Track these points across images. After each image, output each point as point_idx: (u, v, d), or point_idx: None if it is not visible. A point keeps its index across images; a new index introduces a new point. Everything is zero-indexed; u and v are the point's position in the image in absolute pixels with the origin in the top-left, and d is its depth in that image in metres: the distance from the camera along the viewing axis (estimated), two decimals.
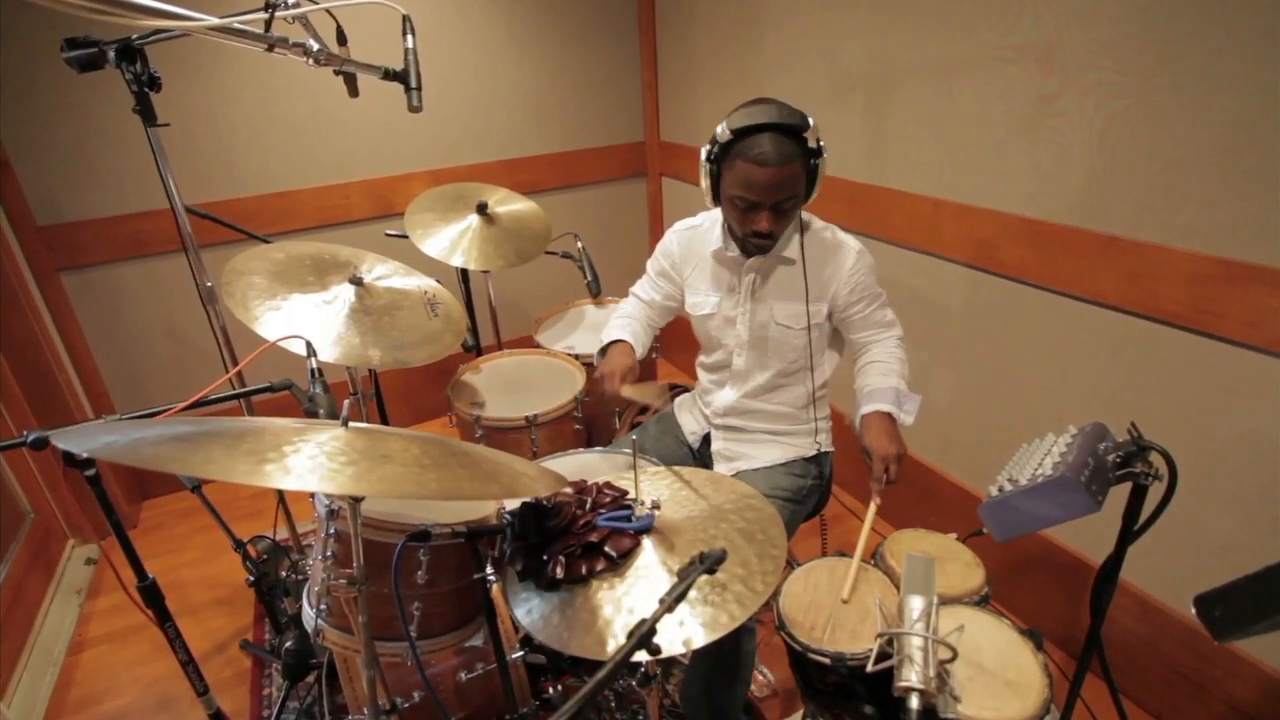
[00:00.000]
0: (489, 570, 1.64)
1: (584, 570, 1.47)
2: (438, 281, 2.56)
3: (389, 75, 2.26)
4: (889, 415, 1.96)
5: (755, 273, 2.10)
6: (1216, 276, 1.92)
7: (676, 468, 1.86)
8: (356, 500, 1.43)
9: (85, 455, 1.63)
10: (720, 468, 2.29)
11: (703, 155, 1.95)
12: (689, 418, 2.43)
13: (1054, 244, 2.28)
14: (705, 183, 1.97)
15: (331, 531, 1.63)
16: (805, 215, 2.09)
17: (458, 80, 3.78)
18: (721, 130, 1.87)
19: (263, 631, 2.86)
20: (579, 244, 3.36)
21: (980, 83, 2.38)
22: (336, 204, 3.70)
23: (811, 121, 1.85)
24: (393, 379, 3.96)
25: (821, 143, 1.88)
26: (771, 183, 1.85)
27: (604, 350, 2.24)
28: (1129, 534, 1.55)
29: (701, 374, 2.36)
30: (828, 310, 2.09)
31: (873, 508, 1.86)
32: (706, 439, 2.37)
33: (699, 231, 2.22)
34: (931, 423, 2.90)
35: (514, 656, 1.93)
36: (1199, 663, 2.20)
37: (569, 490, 1.64)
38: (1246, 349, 1.92)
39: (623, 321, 2.31)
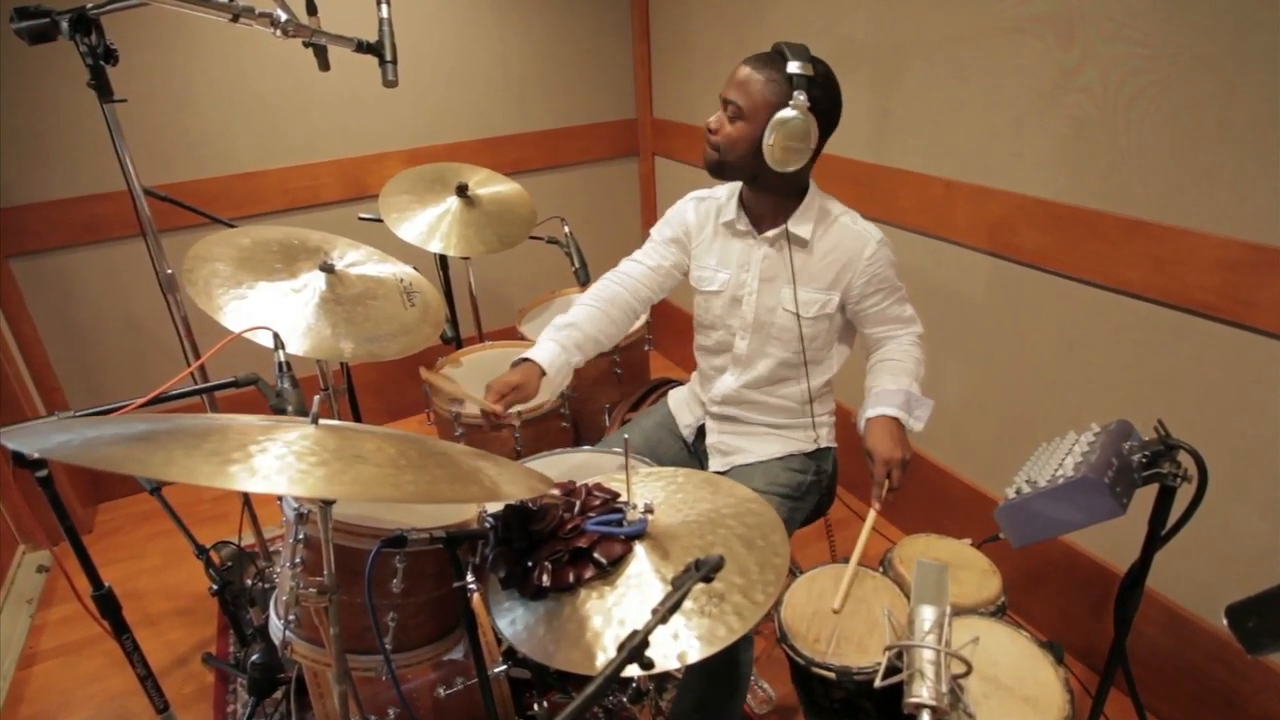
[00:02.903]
0: (469, 578, 1.63)
1: (571, 578, 1.47)
2: (414, 269, 2.54)
3: (362, 47, 2.25)
4: (895, 420, 1.98)
5: (767, 250, 2.11)
6: (1250, 263, 1.91)
7: (673, 469, 1.86)
8: (327, 503, 1.42)
9: (36, 455, 1.62)
10: (715, 463, 2.30)
11: None
12: (684, 410, 2.43)
13: (1075, 228, 2.27)
14: None
15: (300, 537, 1.62)
16: (825, 197, 2.10)
17: (436, 53, 3.77)
18: None
19: (227, 644, 2.85)
20: (566, 228, 3.34)
21: (995, 56, 2.38)
22: (306, 185, 3.69)
23: (800, 68, 1.85)
24: (366, 373, 3.94)
25: (798, 94, 1.85)
26: (732, 76, 1.94)
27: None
28: (1156, 539, 1.55)
29: (701, 359, 2.36)
30: (840, 301, 2.09)
31: (871, 515, 1.86)
32: (701, 432, 2.38)
33: (715, 203, 2.22)
34: (943, 420, 2.90)
35: (496, 671, 1.93)
36: (1231, 677, 2.20)
37: (556, 492, 1.63)
38: None
39: (565, 331, 2.20)
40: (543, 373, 2.12)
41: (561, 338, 2.18)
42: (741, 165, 1.99)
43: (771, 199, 2.07)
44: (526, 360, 2.13)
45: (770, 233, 2.09)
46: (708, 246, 2.23)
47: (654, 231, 2.33)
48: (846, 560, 1.87)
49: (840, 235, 2.07)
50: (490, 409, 2.03)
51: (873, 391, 2.06)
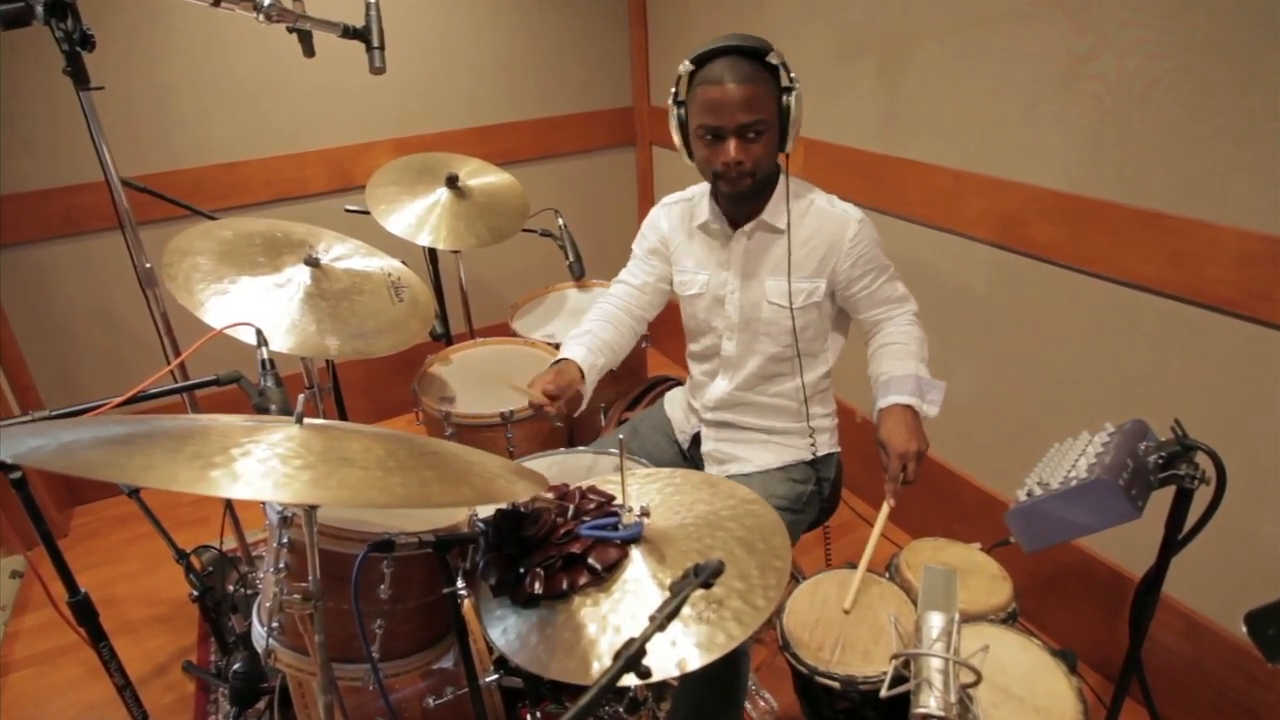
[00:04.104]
0: (460, 584, 1.63)
1: (565, 584, 1.47)
2: (403, 263, 2.55)
3: (349, 33, 2.25)
4: (910, 408, 1.96)
5: (745, 245, 2.11)
6: (1270, 256, 1.91)
7: (670, 469, 1.85)
8: (313, 506, 1.42)
9: (9, 461, 1.62)
10: (710, 471, 2.29)
11: (670, 100, 2.01)
12: (680, 414, 2.44)
13: (1089, 220, 2.27)
14: (676, 135, 2.04)
15: (284, 541, 1.62)
16: (797, 182, 2.09)
17: (425, 38, 3.77)
18: (683, 64, 1.93)
19: (208, 652, 2.84)
20: (560, 221, 3.34)
21: (1006, 41, 2.37)
22: (290, 176, 3.68)
23: (776, 53, 1.87)
24: (352, 371, 3.95)
25: (794, 77, 1.90)
26: (732, 100, 1.87)
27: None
28: (1172, 543, 1.55)
29: (692, 366, 2.36)
30: (827, 288, 2.09)
31: (885, 510, 1.86)
32: (697, 439, 2.38)
33: (688, 205, 2.23)
34: (952, 420, 2.90)
35: (487, 680, 1.93)
36: (1251, 686, 2.20)
37: (549, 495, 1.63)
38: None
39: (585, 337, 2.25)
40: (581, 372, 2.14)
41: (585, 341, 2.21)
42: (769, 172, 2.01)
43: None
44: (560, 361, 2.15)
45: (746, 226, 2.09)
46: (685, 250, 2.24)
47: (634, 246, 2.35)
48: (850, 566, 1.87)
49: (819, 219, 2.07)
50: (542, 401, 2.03)
51: (880, 380, 2.05)
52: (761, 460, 2.25)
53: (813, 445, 2.25)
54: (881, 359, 2.10)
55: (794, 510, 2.18)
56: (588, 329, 2.26)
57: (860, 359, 2.19)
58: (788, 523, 2.10)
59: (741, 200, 2.06)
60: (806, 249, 2.07)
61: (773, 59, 1.87)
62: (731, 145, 1.92)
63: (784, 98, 1.91)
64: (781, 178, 2.07)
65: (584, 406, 2.17)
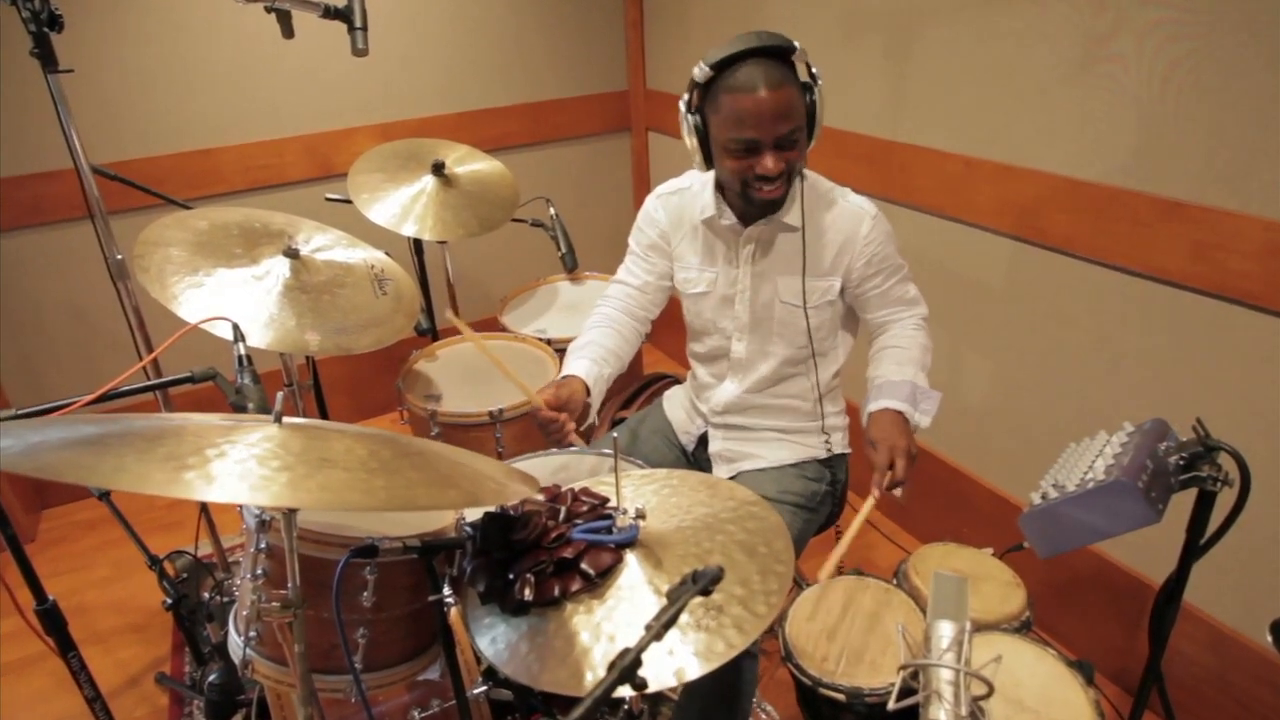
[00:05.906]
0: (446, 592, 1.63)
1: (557, 591, 1.47)
2: (387, 254, 2.55)
3: (329, 13, 2.24)
4: (900, 413, 1.97)
5: (756, 243, 2.09)
6: None
7: (667, 470, 1.85)
8: (292, 510, 1.42)
9: None
10: (720, 471, 2.29)
11: (682, 107, 1.94)
12: (681, 414, 2.42)
13: (1107, 210, 2.27)
14: (691, 140, 1.95)
15: (262, 546, 1.62)
16: (810, 175, 2.08)
17: (410, 18, 3.76)
18: (699, 70, 1.85)
19: (182, 663, 2.84)
20: (551, 210, 3.34)
21: (1021, 21, 2.37)
22: (268, 163, 3.68)
23: (801, 50, 1.84)
24: (334, 368, 3.95)
25: (815, 70, 1.88)
26: (769, 110, 1.81)
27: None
28: (1194, 549, 1.56)
29: (696, 366, 2.35)
30: (841, 285, 2.08)
31: (869, 502, 1.84)
32: (703, 439, 2.37)
33: (687, 195, 2.20)
34: (964, 419, 2.91)
35: (475, 692, 1.93)
36: (1277, 699, 2.20)
37: (540, 497, 1.63)
38: None
39: (588, 348, 2.22)
40: (587, 388, 2.10)
41: (589, 352, 2.18)
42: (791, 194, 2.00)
43: None
44: (567, 378, 2.12)
45: (759, 222, 2.06)
46: (689, 245, 2.21)
47: (631, 242, 2.32)
48: (858, 573, 1.87)
49: (833, 214, 2.06)
50: (552, 416, 2.01)
51: (875, 383, 2.06)
52: (776, 456, 2.24)
53: (827, 444, 2.25)
54: (881, 362, 2.10)
55: (808, 509, 2.17)
56: (590, 338, 2.23)
57: (864, 358, 2.19)
58: (802, 521, 2.12)
59: (771, 207, 2.02)
60: (821, 245, 2.05)
61: (797, 59, 1.85)
62: (770, 159, 1.86)
63: (808, 96, 1.88)
64: None
65: (592, 419, 2.16)
